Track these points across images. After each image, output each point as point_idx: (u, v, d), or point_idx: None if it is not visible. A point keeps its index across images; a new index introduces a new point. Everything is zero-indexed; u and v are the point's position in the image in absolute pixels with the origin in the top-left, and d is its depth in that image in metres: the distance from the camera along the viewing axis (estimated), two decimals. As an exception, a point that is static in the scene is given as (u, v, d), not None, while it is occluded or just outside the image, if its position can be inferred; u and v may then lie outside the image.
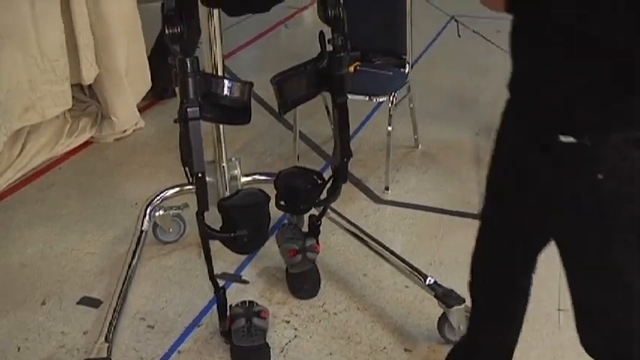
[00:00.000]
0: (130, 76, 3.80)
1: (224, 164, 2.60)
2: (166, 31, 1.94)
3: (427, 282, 2.36)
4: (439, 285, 2.34)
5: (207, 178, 2.00)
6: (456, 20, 5.01)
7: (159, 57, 3.78)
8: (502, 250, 1.63)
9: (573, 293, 1.46)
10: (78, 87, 3.77)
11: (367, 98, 3.20)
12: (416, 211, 3.11)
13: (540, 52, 1.29)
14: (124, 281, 2.40)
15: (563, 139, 1.29)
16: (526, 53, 1.34)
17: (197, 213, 2.01)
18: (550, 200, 1.40)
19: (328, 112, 3.44)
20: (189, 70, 1.89)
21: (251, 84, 2.03)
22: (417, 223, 3.03)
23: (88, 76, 3.60)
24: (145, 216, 2.71)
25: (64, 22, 3.37)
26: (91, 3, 3.50)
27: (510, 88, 1.44)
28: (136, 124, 3.91)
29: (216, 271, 2.13)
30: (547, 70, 1.29)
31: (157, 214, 2.77)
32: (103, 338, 2.16)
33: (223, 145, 2.57)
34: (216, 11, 2.31)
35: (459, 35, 4.88)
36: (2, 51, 3.13)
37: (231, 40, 5.00)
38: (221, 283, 2.18)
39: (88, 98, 3.90)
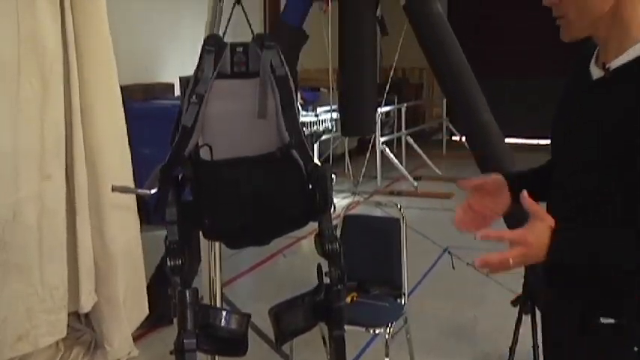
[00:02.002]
0: (128, 304, 3.82)
1: (217, 397, 2.53)
2: (168, 263, 2.00)
3: None
4: None
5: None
6: (449, 253, 5.14)
7: (158, 285, 3.82)
8: None
9: None
10: (74, 315, 3.76)
11: (364, 329, 3.20)
12: None
13: None
14: None
15: (604, 320, 1.48)
16: None
17: None
18: None
19: (325, 342, 3.40)
20: (188, 302, 1.92)
21: (249, 316, 2.05)
22: None
23: (86, 304, 3.61)
24: None
25: (67, 251, 3.46)
26: (95, 234, 3.61)
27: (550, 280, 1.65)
28: (129, 354, 3.84)
29: None
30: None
31: None
32: None
33: (218, 376, 2.53)
34: (217, 242, 2.39)
35: (453, 267, 4.99)
36: (6, 283, 3.18)
37: (230, 267, 5.08)
38: None
39: (82, 326, 3.87)
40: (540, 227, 1.42)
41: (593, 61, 1.59)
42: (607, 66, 1.51)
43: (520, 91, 12.04)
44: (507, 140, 3.87)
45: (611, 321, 1.48)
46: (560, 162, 1.65)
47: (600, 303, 1.51)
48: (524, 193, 1.46)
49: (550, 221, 1.42)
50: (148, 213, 4.52)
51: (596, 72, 1.56)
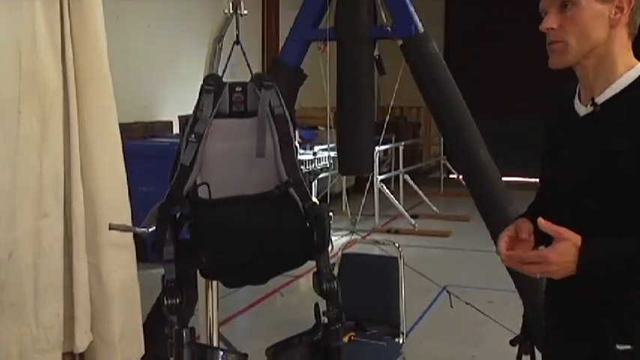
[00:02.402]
0: (124, 343, 3.77)
1: None
2: (165, 302, 1.99)
3: None
4: None
5: None
6: (447, 292, 5.12)
7: (155, 324, 3.78)
8: None
9: None
10: (69, 355, 3.71)
11: (362, 369, 3.16)
12: None
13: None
14: None
15: (620, 347, 1.50)
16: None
17: None
18: None
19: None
20: (185, 342, 1.91)
21: (246, 355, 2.04)
22: None
23: (82, 344, 3.56)
24: None
25: (63, 290, 3.43)
26: (92, 272, 3.59)
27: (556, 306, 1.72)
28: (124, 394, 3.79)
29: None
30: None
31: None
32: None
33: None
34: (214, 281, 2.38)
35: (452, 306, 4.96)
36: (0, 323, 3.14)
37: (227, 306, 5.04)
38: None
39: (77, 366, 3.83)
40: (565, 246, 1.46)
41: (576, 99, 1.63)
42: (594, 101, 1.56)
43: (517, 130, 12.10)
44: (505, 178, 3.88)
45: (628, 347, 1.49)
46: (553, 195, 1.70)
47: (615, 329, 1.52)
48: (541, 220, 1.50)
49: (576, 239, 1.46)
50: (145, 251, 4.51)
51: (581, 109, 1.61)
